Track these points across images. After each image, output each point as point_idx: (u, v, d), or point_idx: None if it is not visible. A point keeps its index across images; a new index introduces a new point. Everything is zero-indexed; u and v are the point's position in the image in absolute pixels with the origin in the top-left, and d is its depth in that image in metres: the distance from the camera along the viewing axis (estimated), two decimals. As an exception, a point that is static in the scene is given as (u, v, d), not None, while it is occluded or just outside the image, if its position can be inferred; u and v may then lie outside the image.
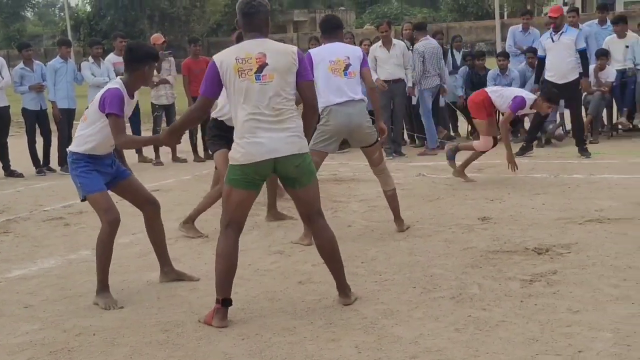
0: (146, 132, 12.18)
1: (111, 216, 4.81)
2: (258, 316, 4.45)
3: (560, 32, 9.70)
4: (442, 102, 11.68)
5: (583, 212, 6.55)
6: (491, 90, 8.48)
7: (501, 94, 8.26)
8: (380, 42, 10.45)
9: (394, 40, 10.46)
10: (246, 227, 6.59)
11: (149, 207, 5.14)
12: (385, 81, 10.25)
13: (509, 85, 11.39)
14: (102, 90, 4.86)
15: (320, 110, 5.91)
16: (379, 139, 6.27)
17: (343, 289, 4.59)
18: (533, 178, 8.36)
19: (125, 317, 4.59)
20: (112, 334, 4.30)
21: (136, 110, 11.50)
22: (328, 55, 6.02)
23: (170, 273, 5.27)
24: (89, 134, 4.86)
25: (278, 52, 4.26)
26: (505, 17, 46.60)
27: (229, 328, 4.26)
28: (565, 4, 63.86)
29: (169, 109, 11.59)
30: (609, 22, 12.05)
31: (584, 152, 9.63)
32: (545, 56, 9.84)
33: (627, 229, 5.88)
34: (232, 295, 4.38)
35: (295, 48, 4.37)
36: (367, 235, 6.28)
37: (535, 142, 10.53)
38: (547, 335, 3.87)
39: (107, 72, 11.00)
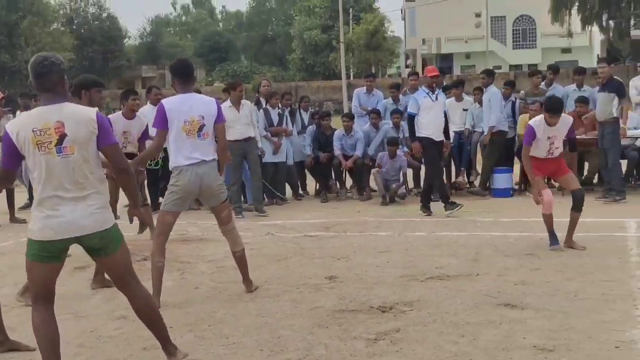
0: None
1: None
2: (99, 387, 4.26)
3: (436, 92, 10.08)
4: (290, 161, 11.88)
5: (424, 270, 6.79)
6: None
7: None
8: (229, 102, 10.48)
9: (242, 101, 10.54)
10: (89, 292, 6.42)
11: None
12: (236, 141, 10.25)
13: (354, 144, 11.77)
14: None
15: (171, 168, 5.93)
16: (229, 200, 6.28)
17: (167, 348, 4.47)
18: (378, 236, 8.60)
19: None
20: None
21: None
22: (183, 114, 5.84)
23: (4, 342, 4.96)
24: None
25: (77, 121, 4.03)
26: (352, 78, 48.22)
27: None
28: (407, 66, 67.05)
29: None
30: (444, 84, 12.75)
31: (450, 206, 9.87)
32: (416, 114, 9.98)
33: (465, 286, 6.15)
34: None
35: (94, 112, 4.14)
36: (215, 296, 6.21)
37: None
38: (390, 394, 3.95)
39: None
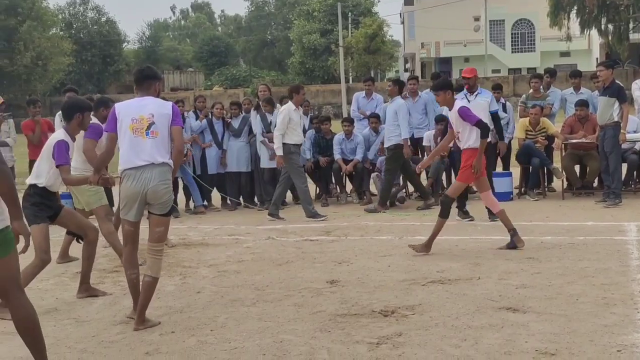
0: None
1: None
2: (102, 391, 4.27)
3: (476, 93, 9.76)
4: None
5: (426, 274, 6.80)
6: None
7: None
8: (293, 105, 10.55)
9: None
10: (90, 297, 6.42)
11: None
12: (297, 145, 10.63)
13: (354, 149, 11.80)
14: None
15: (119, 172, 5.58)
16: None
17: None
18: (379, 240, 8.61)
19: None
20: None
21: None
22: (132, 112, 5.53)
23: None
24: None
25: None
26: (351, 82, 48.30)
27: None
28: (406, 70, 67.15)
29: (7, 172, 11.06)
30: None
31: (492, 215, 9.29)
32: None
33: (466, 289, 6.16)
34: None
35: None
36: (217, 301, 6.22)
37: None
38: (393, 398, 3.96)
39: None
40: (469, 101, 9.69)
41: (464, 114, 7.75)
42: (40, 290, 6.76)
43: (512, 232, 7.78)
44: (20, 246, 4.13)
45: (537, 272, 6.69)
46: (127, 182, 5.46)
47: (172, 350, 4.93)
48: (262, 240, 8.96)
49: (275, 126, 10.74)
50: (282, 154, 10.36)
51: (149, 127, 5.49)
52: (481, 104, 9.67)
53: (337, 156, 11.90)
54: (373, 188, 11.81)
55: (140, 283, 5.57)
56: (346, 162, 11.80)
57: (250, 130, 11.98)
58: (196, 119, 11.90)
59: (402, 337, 5.00)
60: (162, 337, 5.26)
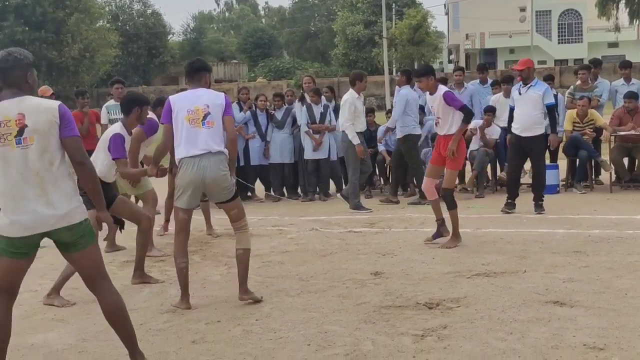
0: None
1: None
2: (150, 378, 4.33)
3: (529, 85, 9.59)
4: (334, 157, 11.88)
5: (471, 266, 6.76)
6: None
7: None
8: (356, 94, 10.38)
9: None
10: (138, 286, 6.52)
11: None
12: (361, 133, 10.47)
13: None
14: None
15: (177, 162, 5.73)
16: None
17: (134, 355, 4.31)
18: (423, 232, 8.57)
19: (8, 383, 4.37)
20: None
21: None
22: (187, 104, 5.69)
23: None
24: None
25: (38, 111, 3.99)
26: (394, 73, 48.05)
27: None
28: (450, 61, 66.60)
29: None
30: (489, 81, 12.60)
31: (538, 208, 9.51)
32: (514, 107, 9.72)
33: (512, 283, 6.10)
34: (124, 357, 4.26)
35: (57, 104, 4.09)
36: (262, 291, 6.25)
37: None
38: (439, 390, 3.95)
39: None
40: (520, 94, 9.60)
41: (450, 98, 7.72)
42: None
43: (440, 221, 7.88)
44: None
45: (585, 265, 6.60)
46: (185, 170, 5.63)
47: (218, 339, 4.98)
48: (305, 231, 8.99)
49: (339, 118, 10.69)
50: (358, 141, 10.27)
51: (204, 118, 5.64)
52: (532, 96, 9.53)
53: (381, 148, 11.86)
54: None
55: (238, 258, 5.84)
56: (390, 153, 11.77)
57: (294, 122, 12.01)
58: (240, 111, 11.97)
59: (447, 329, 4.97)
60: (208, 326, 5.32)
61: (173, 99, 5.83)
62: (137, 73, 56.97)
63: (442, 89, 7.83)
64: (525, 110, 9.54)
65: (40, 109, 4.00)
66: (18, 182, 3.96)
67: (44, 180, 3.98)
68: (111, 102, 10.98)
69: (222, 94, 5.92)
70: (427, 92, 8.06)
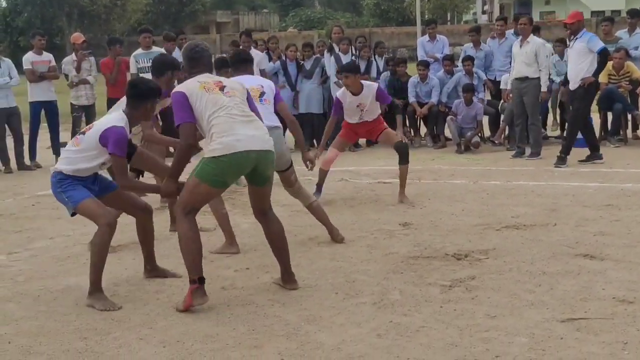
0: (64, 132, 11.86)
1: (108, 219, 4.83)
2: (180, 323, 4.40)
3: (575, 38, 9.47)
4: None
5: (500, 219, 6.72)
6: None
7: None
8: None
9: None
10: (167, 233, 6.58)
11: (140, 214, 5.24)
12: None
13: (429, 92, 11.66)
14: (106, 124, 4.82)
15: None
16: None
17: (289, 275, 4.96)
18: (453, 184, 8.53)
19: (42, 324, 4.48)
20: (29, 342, 4.19)
21: (55, 111, 11.25)
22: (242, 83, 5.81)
23: (153, 270, 5.37)
24: (79, 158, 4.85)
25: (232, 81, 4.97)
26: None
27: (150, 335, 4.21)
28: (484, 12, 65.47)
29: (88, 110, 11.30)
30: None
31: (560, 161, 9.43)
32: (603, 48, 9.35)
33: (541, 235, 6.07)
34: (154, 301, 4.33)
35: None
36: (290, 240, 6.14)
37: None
38: (465, 340, 3.96)
39: (7, 72, 10.69)
40: (567, 46, 9.48)
41: (383, 94, 7.74)
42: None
43: (318, 187, 7.86)
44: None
45: (616, 219, 6.54)
46: None
47: (247, 286, 5.04)
48: (335, 181, 8.98)
49: (538, 64, 10.07)
50: (545, 89, 10.21)
51: (261, 96, 5.95)
52: (576, 49, 9.43)
53: (411, 99, 11.76)
54: (447, 132, 11.65)
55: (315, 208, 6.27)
56: (421, 105, 11.66)
57: (323, 72, 11.93)
58: (269, 61, 11.90)
59: (475, 280, 4.97)
60: (237, 273, 5.38)
61: (225, 82, 5.86)
62: (168, 21, 56.66)
63: (374, 86, 7.68)
64: (573, 63, 9.50)
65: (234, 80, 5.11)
66: (229, 115, 4.67)
67: (248, 115, 4.78)
68: (139, 51, 10.92)
69: (270, 81, 6.39)
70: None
